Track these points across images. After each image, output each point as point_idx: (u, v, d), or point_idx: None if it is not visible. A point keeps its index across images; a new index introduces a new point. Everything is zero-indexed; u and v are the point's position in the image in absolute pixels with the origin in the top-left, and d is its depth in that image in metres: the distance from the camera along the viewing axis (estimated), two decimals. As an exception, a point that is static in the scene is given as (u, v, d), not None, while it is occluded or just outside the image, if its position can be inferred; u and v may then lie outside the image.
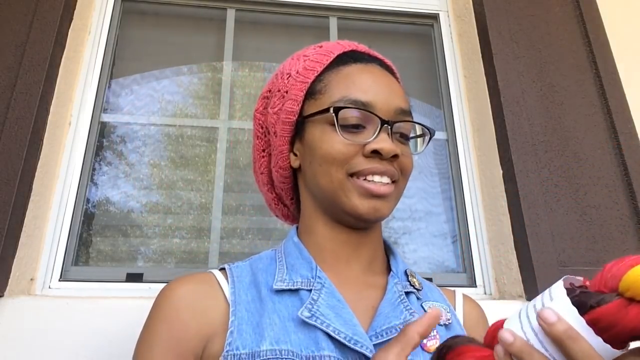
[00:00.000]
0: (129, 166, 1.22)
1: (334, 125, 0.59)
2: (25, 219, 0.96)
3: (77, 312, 0.89)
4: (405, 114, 0.62)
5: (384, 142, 0.58)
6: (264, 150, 0.70)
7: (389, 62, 0.69)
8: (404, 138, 0.63)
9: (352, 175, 0.59)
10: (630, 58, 1.31)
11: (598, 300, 0.35)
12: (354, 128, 0.60)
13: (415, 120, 0.64)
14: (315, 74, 0.64)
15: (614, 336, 0.34)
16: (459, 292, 0.70)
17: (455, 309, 0.65)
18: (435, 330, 0.57)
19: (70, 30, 1.17)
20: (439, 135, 1.36)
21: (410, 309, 0.56)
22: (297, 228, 0.67)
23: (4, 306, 0.88)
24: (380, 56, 0.69)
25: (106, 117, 1.24)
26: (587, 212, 1.09)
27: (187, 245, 1.16)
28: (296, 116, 0.64)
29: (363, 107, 0.60)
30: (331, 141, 0.60)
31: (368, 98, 0.60)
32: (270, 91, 0.69)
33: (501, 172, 1.18)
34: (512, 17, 1.30)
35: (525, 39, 1.28)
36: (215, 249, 1.15)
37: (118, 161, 1.23)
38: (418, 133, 0.67)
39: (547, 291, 0.38)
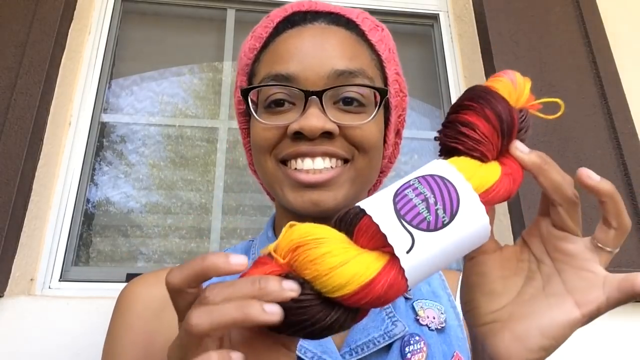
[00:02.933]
0: (129, 166, 1.22)
1: (255, 108, 0.52)
2: (25, 219, 0.96)
3: (77, 312, 0.89)
4: (345, 75, 0.50)
5: (306, 119, 0.47)
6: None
7: (346, 12, 0.57)
8: (355, 104, 0.50)
9: (283, 162, 0.51)
10: (630, 58, 1.31)
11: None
12: (278, 106, 0.50)
13: (363, 83, 0.51)
14: (255, 53, 0.56)
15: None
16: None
17: (455, 296, 0.58)
18: (422, 342, 0.50)
19: (70, 30, 1.17)
20: (439, 135, 1.36)
21: (394, 316, 0.50)
22: (273, 220, 0.61)
23: (4, 306, 0.88)
24: (332, 9, 0.56)
25: (106, 117, 1.24)
26: (587, 212, 1.08)
27: (187, 246, 1.16)
28: (244, 105, 0.56)
29: (279, 81, 0.50)
30: (255, 127, 0.52)
31: (290, 70, 0.50)
32: (235, 78, 0.63)
33: (501, 172, 1.17)
34: (512, 17, 1.30)
35: (525, 39, 1.28)
36: (215, 249, 1.15)
37: (118, 161, 1.23)
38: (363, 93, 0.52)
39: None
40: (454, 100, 1.36)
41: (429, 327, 0.52)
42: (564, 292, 0.35)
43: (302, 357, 0.46)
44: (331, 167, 0.49)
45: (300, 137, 0.48)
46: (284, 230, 0.31)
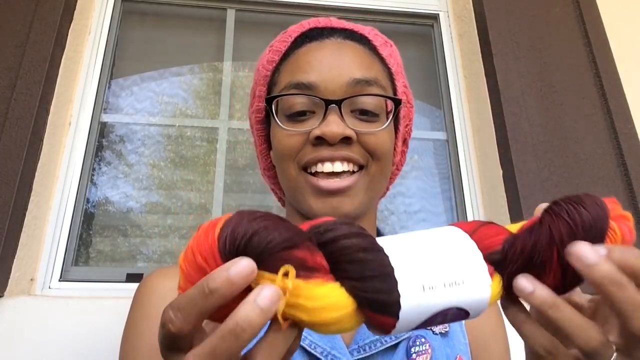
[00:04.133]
0: (129, 166, 1.22)
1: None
2: (25, 219, 0.96)
3: (77, 312, 0.89)
4: (362, 84, 0.53)
5: (327, 125, 0.51)
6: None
7: (359, 28, 0.61)
8: (370, 114, 0.54)
9: (304, 169, 0.53)
10: (630, 58, 1.31)
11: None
12: (300, 115, 0.53)
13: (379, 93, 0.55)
14: (274, 65, 0.59)
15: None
16: None
17: None
18: (427, 344, 0.51)
19: (70, 30, 1.17)
20: (439, 135, 1.36)
21: None
22: None
23: (4, 306, 0.88)
24: (346, 25, 0.61)
25: (106, 117, 1.24)
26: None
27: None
28: (263, 113, 0.60)
29: (301, 90, 0.53)
30: (278, 135, 0.55)
31: (310, 79, 0.53)
32: (252, 88, 0.66)
33: (501, 172, 1.18)
34: (512, 17, 1.30)
35: (525, 39, 1.28)
36: (215, 249, 1.15)
37: (118, 161, 1.23)
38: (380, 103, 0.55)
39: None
40: (454, 100, 1.36)
41: (432, 331, 0.54)
42: None
43: (312, 352, 0.48)
44: (350, 171, 0.53)
45: (321, 142, 0.52)
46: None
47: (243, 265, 0.26)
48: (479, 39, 1.32)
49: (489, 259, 0.30)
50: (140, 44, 1.36)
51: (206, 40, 1.39)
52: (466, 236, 0.31)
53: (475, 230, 0.31)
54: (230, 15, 1.40)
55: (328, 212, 0.51)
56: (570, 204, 0.30)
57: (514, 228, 0.32)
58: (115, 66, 1.29)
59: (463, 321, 0.56)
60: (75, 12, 1.21)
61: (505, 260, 0.30)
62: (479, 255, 0.30)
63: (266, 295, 0.25)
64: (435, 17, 1.49)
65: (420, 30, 1.50)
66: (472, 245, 0.30)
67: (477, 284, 0.29)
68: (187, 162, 1.25)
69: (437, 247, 0.29)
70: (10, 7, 1.09)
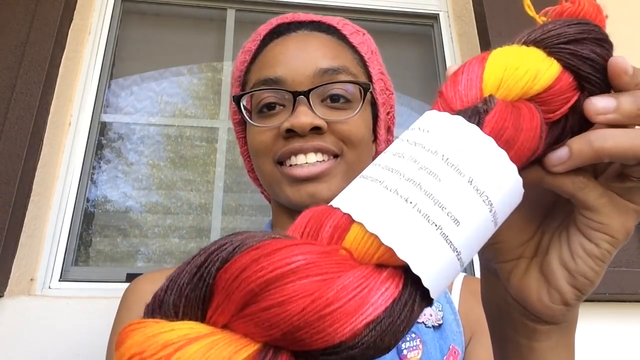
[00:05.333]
0: (129, 166, 1.22)
1: (249, 115, 0.55)
2: (25, 219, 0.96)
3: (77, 312, 0.89)
4: (330, 73, 0.53)
5: (295, 117, 0.50)
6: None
7: (327, 19, 0.61)
8: (341, 100, 0.53)
9: (280, 163, 0.53)
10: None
11: (483, 110, 0.25)
12: (270, 109, 0.53)
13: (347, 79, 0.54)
14: (246, 65, 0.60)
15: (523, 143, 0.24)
16: (461, 274, 0.60)
17: (451, 293, 0.58)
18: (418, 339, 0.50)
19: (70, 30, 1.17)
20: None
21: None
22: (270, 222, 0.63)
23: (4, 306, 0.88)
24: (314, 18, 0.60)
25: (106, 117, 1.24)
26: None
27: (186, 246, 1.16)
28: (239, 115, 0.59)
29: (269, 85, 0.53)
30: (251, 132, 0.55)
31: (277, 73, 0.53)
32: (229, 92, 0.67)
33: (501, 172, 1.17)
34: (512, 17, 1.30)
35: (525, 39, 1.28)
36: (215, 249, 1.15)
37: (118, 161, 1.23)
38: (351, 90, 0.54)
39: (415, 126, 0.26)
40: (453, 100, 1.36)
41: (425, 325, 0.53)
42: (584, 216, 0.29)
43: None
44: (323, 160, 0.52)
45: (292, 135, 0.51)
46: None
47: None
48: (479, 39, 1.32)
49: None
50: (140, 43, 1.36)
51: (206, 40, 1.39)
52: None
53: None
54: (230, 15, 1.40)
55: (305, 200, 0.50)
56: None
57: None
58: (115, 66, 1.29)
59: (457, 308, 0.56)
60: (75, 12, 1.21)
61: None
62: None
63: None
64: (435, 17, 1.48)
65: (420, 30, 1.50)
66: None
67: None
68: (186, 162, 1.25)
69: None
70: (10, 7, 1.09)
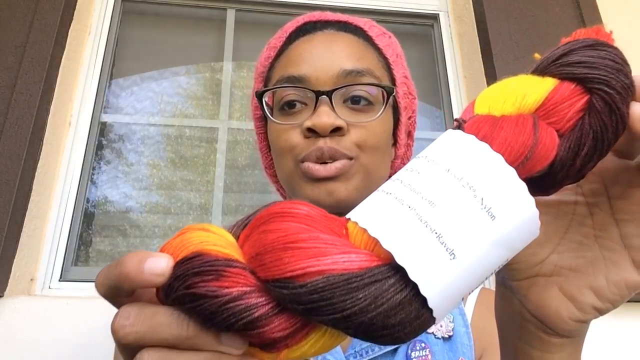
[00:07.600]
0: (129, 166, 1.22)
1: (270, 112, 0.55)
2: (25, 219, 0.97)
3: (77, 312, 0.89)
4: (353, 75, 0.52)
5: (317, 117, 0.50)
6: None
7: (354, 20, 0.60)
8: (363, 101, 0.53)
9: (302, 161, 0.52)
10: (630, 58, 1.30)
11: (462, 121, 0.28)
12: (291, 108, 0.53)
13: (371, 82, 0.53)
14: (270, 61, 0.59)
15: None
16: None
17: (465, 304, 0.57)
18: (427, 349, 0.50)
19: (70, 30, 1.17)
20: (439, 135, 1.36)
21: None
22: None
23: (4, 306, 0.88)
24: (341, 17, 0.60)
25: (106, 117, 1.24)
26: None
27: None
28: (261, 110, 0.59)
29: (293, 83, 0.52)
30: (273, 130, 0.55)
31: (301, 71, 0.53)
32: (252, 87, 0.66)
33: (501, 172, 1.17)
34: (512, 17, 1.30)
35: (525, 39, 1.28)
36: (215, 249, 1.15)
37: (118, 161, 1.23)
38: (374, 93, 0.54)
39: (432, 149, 0.27)
40: (454, 100, 1.36)
41: (435, 335, 0.52)
42: (621, 246, 0.29)
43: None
44: (339, 162, 0.52)
45: (312, 134, 0.51)
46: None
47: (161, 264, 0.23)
48: (479, 39, 1.32)
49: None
50: (140, 44, 1.36)
51: (206, 41, 1.39)
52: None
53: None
54: (230, 15, 1.40)
55: (323, 198, 0.50)
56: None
57: None
58: (115, 66, 1.29)
59: (469, 321, 0.55)
60: (75, 12, 1.21)
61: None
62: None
63: None
64: (435, 17, 1.49)
65: (420, 30, 1.50)
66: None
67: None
68: (186, 162, 1.25)
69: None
70: (10, 7, 1.09)
